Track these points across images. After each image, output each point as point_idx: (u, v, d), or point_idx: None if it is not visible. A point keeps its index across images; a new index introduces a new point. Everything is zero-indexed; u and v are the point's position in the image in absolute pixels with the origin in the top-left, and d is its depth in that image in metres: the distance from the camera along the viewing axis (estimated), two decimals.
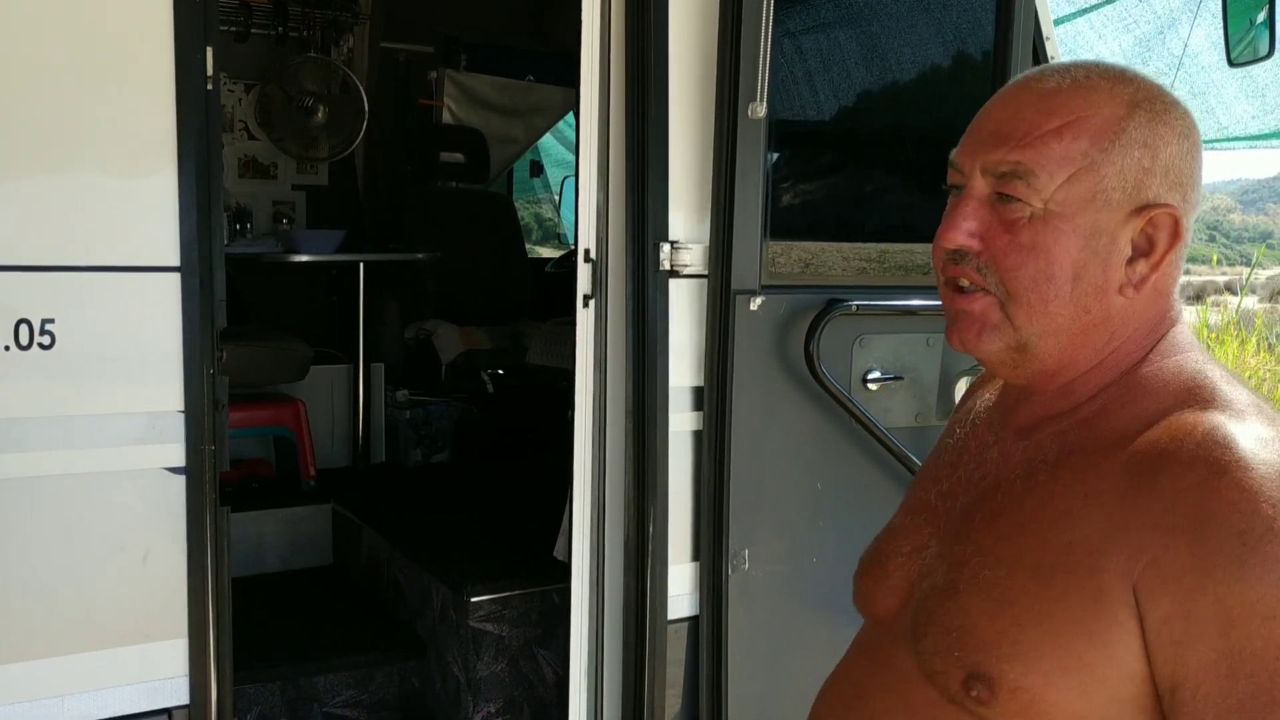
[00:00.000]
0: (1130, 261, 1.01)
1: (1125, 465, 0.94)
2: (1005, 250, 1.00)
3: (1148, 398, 0.99)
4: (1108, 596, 0.90)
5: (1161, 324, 1.04)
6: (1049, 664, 0.92)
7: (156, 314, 1.89)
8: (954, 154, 1.05)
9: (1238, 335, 7.57)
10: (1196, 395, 0.97)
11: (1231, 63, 3.28)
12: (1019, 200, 0.99)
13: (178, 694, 1.94)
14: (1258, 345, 7.57)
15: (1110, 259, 1.00)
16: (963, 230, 1.02)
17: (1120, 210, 0.99)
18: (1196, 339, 1.07)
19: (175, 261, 1.88)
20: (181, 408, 1.90)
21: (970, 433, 1.16)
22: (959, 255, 1.03)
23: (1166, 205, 1.00)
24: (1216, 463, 0.88)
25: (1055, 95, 1.00)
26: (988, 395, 1.20)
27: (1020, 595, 0.95)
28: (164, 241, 1.88)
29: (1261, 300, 13.03)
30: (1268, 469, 0.87)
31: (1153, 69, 4.13)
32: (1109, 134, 0.98)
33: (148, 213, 1.87)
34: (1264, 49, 3.14)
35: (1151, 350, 1.03)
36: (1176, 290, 1.06)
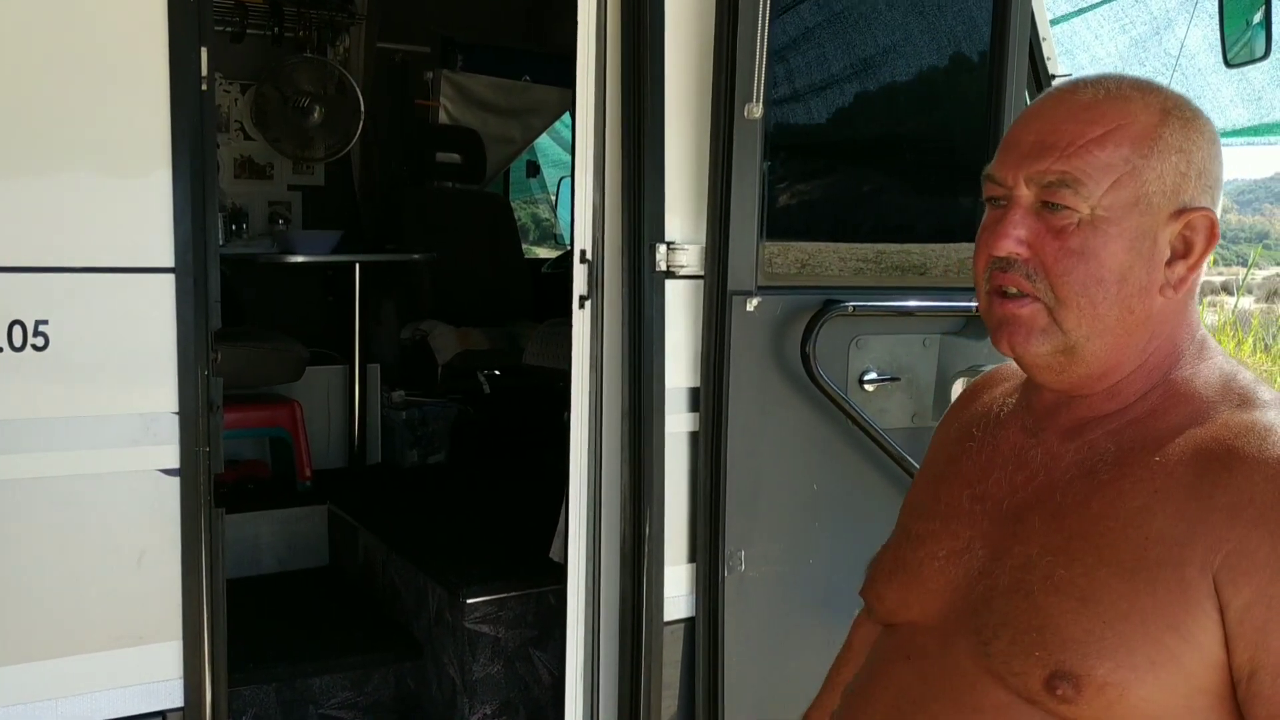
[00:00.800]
0: (1169, 263, 1.05)
1: (1192, 462, 0.98)
2: (1056, 256, 1.04)
3: (1194, 398, 1.05)
4: (1191, 588, 0.94)
5: (1192, 326, 1.09)
6: (1138, 658, 0.95)
7: (151, 315, 1.88)
8: (991, 169, 1.09)
9: (1234, 335, 7.58)
10: (1242, 396, 1.03)
11: (1228, 63, 3.28)
12: (1067, 208, 1.03)
13: (172, 697, 1.93)
14: (1254, 345, 7.58)
15: (1153, 261, 1.05)
16: (1012, 238, 1.05)
17: (1161, 214, 1.04)
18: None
19: (170, 262, 1.88)
20: (176, 409, 1.90)
21: (999, 436, 1.18)
22: (1007, 263, 1.06)
23: (1203, 208, 1.05)
24: None
25: (1093, 106, 1.05)
26: (1003, 399, 1.22)
27: (1102, 592, 0.97)
28: (158, 242, 1.87)
29: (1258, 300, 13.05)
30: None
31: (1149, 70, 4.13)
32: (1148, 140, 1.03)
33: (142, 214, 1.86)
34: (1260, 50, 3.14)
35: (1186, 353, 1.08)
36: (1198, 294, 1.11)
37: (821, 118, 2.73)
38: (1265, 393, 1.03)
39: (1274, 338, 7.76)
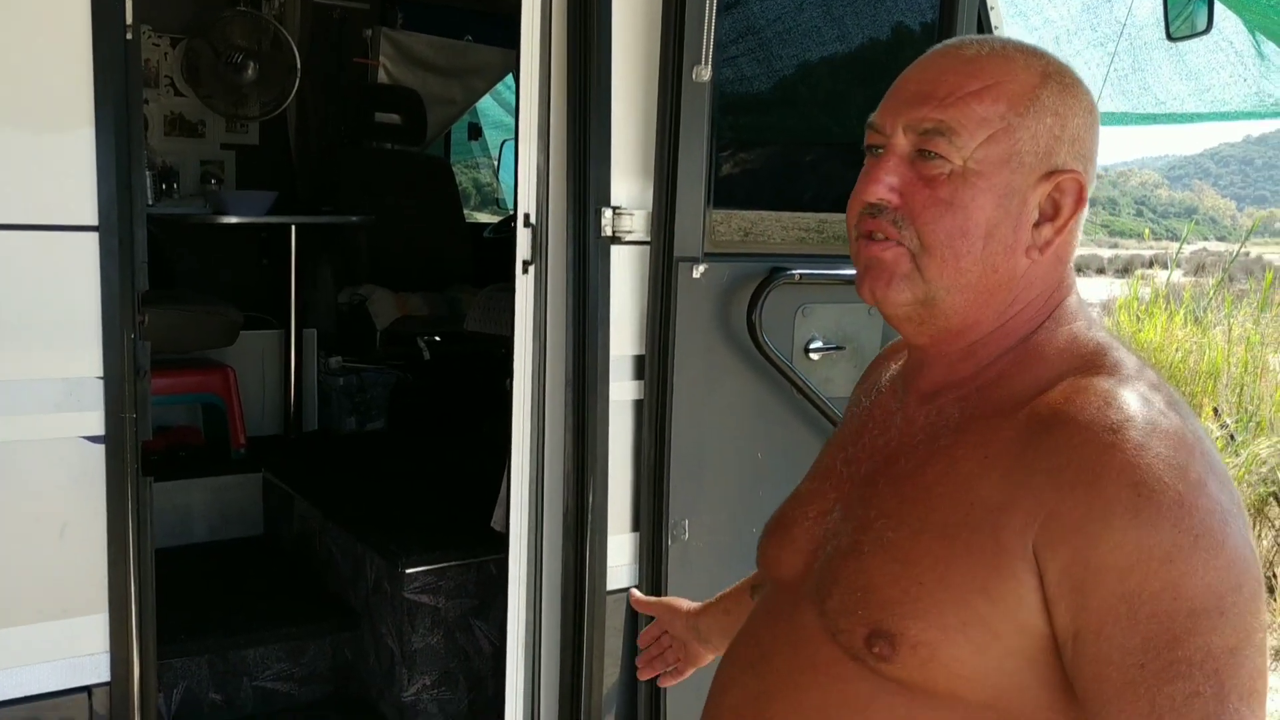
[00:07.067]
0: (1037, 225, 1.05)
1: (1021, 427, 0.98)
2: (924, 204, 1.04)
3: (1043, 364, 1.04)
4: (1007, 553, 0.94)
5: (1058, 291, 1.08)
6: (948, 619, 0.95)
7: (73, 276, 1.80)
8: (873, 116, 1.09)
9: (1167, 309, 7.73)
10: (1089, 361, 1.02)
11: (1170, 36, 3.31)
12: (940, 157, 1.03)
13: (98, 671, 1.87)
14: (1185, 318, 7.74)
15: (1020, 220, 1.05)
16: (884, 184, 1.05)
17: (1031, 174, 1.04)
18: (1086, 307, 1.12)
19: (93, 220, 1.80)
20: (100, 374, 1.82)
21: (875, 401, 1.20)
22: (876, 209, 1.06)
23: (1072, 171, 1.05)
24: (1107, 421, 0.93)
25: (976, 61, 1.05)
26: (894, 366, 1.24)
27: (922, 555, 0.98)
28: (81, 199, 1.79)
29: (1186, 274, 13.35)
30: (1152, 426, 0.92)
31: (1099, 36, 4.15)
32: (1025, 99, 1.04)
33: (64, 169, 1.78)
34: (1202, 24, 3.17)
35: (1048, 318, 1.08)
36: (1072, 260, 1.11)
37: (768, 85, 2.70)
38: (1118, 357, 1.02)
39: (1204, 310, 7.93)
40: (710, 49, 2.23)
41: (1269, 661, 0.88)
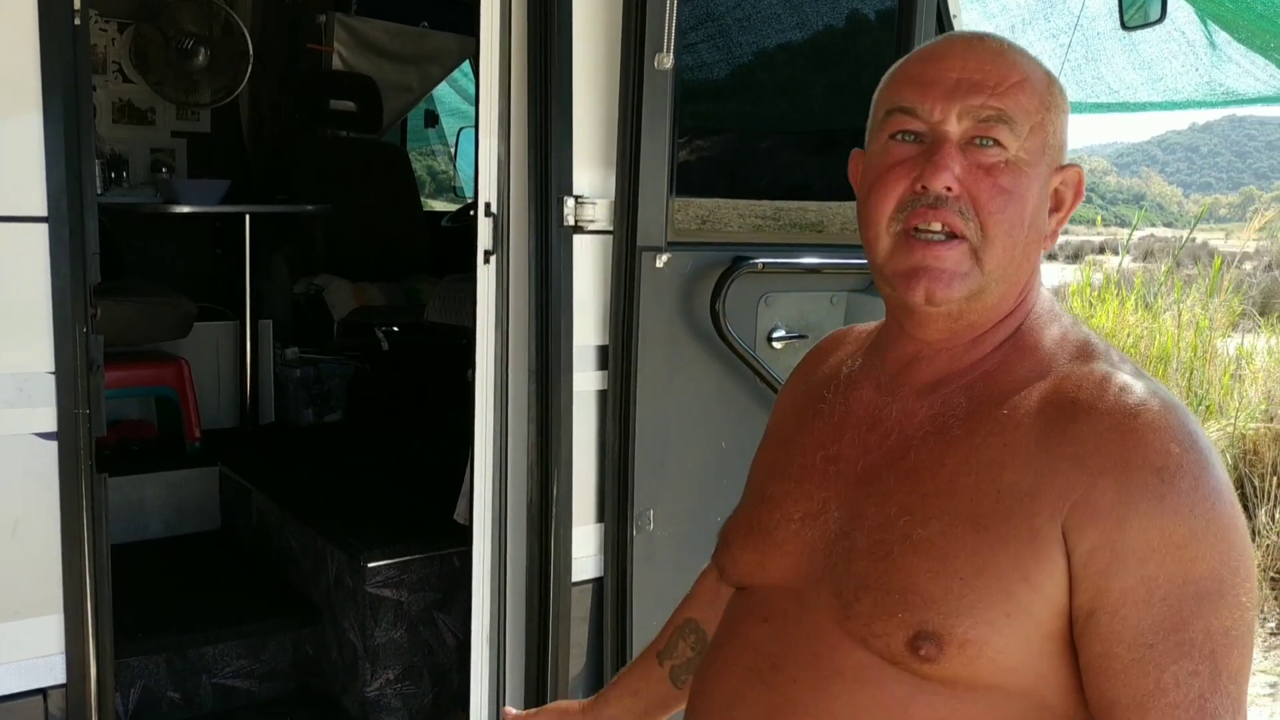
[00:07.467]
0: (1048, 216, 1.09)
1: (1039, 415, 1.00)
2: (990, 193, 1.03)
3: (1037, 351, 1.07)
4: (1042, 538, 0.96)
5: (1039, 281, 1.12)
6: (994, 613, 0.96)
7: (22, 268, 1.75)
8: (909, 102, 1.05)
9: (1118, 294, 7.83)
10: (1078, 348, 1.06)
11: (1125, 25, 3.34)
12: (998, 145, 1.03)
13: (53, 673, 1.83)
14: (1136, 304, 7.84)
15: (1043, 211, 1.07)
16: (951, 172, 1.02)
17: (1050, 166, 1.07)
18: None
19: (42, 211, 1.75)
20: (52, 369, 1.77)
21: (850, 397, 1.16)
22: (939, 199, 1.02)
23: (1075, 165, 1.10)
24: (1128, 409, 0.97)
25: (1005, 54, 1.07)
26: (850, 361, 1.20)
27: (959, 549, 0.98)
28: (29, 189, 1.73)
29: (1134, 260, 13.54)
30: (1165, 412, 0.96)
31: (1052, 27, 4.19)
32: (1048, 95, 1.06)
33: (10, 158, 1.72)
34: (1155, 13, 3.20)
35: (1035, 307, 1.10)
36: None
37: (729, 73, 2.69)
38: (1098, 344, 1.07)
39: (1155, 296, 8.04)
40: (672, 36, 2.21)
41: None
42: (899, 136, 1.06)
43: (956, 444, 1.03)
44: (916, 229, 1.03)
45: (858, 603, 1.01)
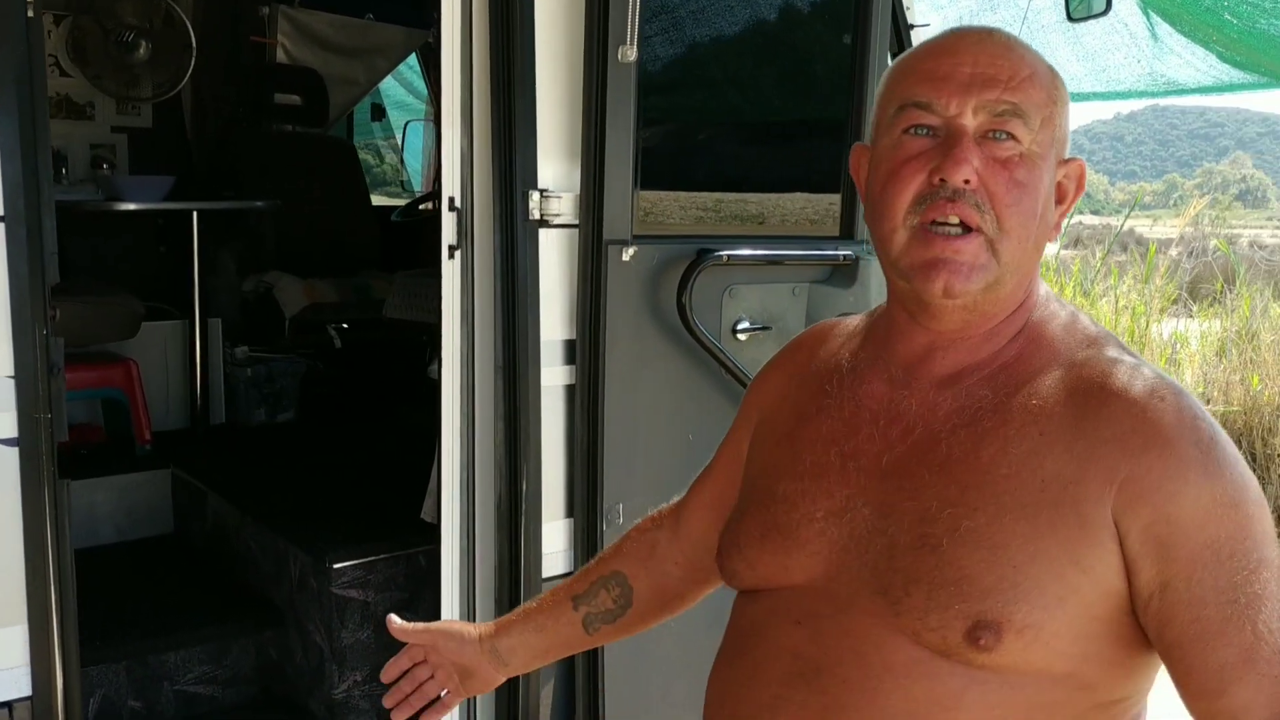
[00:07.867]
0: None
1: (1069, 402, 1.03)
2: (1006, 186, 1.04)
3: (1051, 341, 1.09)
4: (1090, 523, 0.98)
5: (1036, 271, 1.14)
6: (1049, 598, 0.98)
7: None
8: (923, 96, 1.06)
9: (1057, 281, 8.01)
10: (1086, 337, 1.09)
11: (1070, 17, 3.39)
12: (1012, 139, 1.05)
13: (18, 686, 1.78)
14: (1074, 291, 8.01)
15: (1051, 203, 1.09)
16: (970, 164, 1.03)
17: (1056, 159, 1.09)
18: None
19: None
20: (11, 373, 1.73)
21: (859, 390, 1.14)
22: (956, 192, 1.03)
23: (1078, 158, 1.12)
24: (1154, 390, 1.01)
25: (1012, 48, 1.08)
26: (847, 353, 1.19)
27: (1010, 538, 0.99)
28: None
29: (1065, 247, 13.79)
30: (1179, 392, 1.01)
31: (999, 19, 4.25)
32: (1054, 89, 1.08)
33: None
34: (1100, 5, 3.26)
35: (1040, 296, 1.12)
36: None
37: (676, 66, 2.68)
38: (1099, 330, 1.11)
39: (1092, 283, 8.22)
40: (636, 28, 2.20)
41: None
42: (913, 130, 1.06)
43: (989, 436, 1.03)
44: (934, 222, 1.04)
45: (908, 597, 1.01)
